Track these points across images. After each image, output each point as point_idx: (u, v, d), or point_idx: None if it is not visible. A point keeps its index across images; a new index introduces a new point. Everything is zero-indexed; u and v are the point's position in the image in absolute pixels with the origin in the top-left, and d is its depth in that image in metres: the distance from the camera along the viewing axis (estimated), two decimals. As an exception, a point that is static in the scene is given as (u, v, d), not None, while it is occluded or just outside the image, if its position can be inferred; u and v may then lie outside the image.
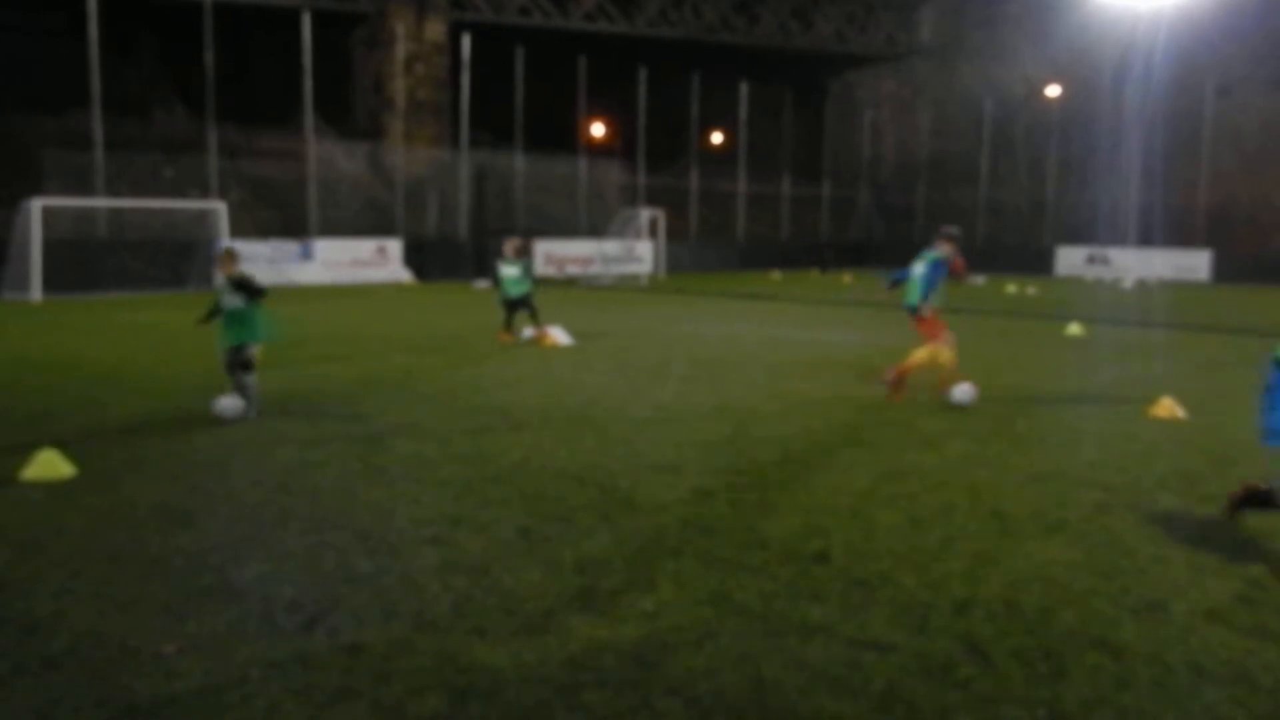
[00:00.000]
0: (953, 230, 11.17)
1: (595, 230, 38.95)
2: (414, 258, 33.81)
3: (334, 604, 5.02)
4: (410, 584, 5.32)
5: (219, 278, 10.13)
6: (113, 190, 29.66)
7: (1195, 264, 38.14)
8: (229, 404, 9.50)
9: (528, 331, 16.07)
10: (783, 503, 6.93)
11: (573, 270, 36.10)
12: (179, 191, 31.29)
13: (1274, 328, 18.76)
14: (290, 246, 31.06)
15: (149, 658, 4.40)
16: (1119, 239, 37.43)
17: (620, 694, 4.11)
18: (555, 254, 36.88)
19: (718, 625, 4.81)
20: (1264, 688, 4.26)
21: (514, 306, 16.06)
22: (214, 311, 10.17)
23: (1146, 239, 38.38)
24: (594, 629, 4.74)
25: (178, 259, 28.00)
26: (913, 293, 10.93)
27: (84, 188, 28.85)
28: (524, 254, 16.61)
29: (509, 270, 16.04)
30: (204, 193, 30.97)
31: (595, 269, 35.88)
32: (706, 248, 43.59)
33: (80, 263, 26.28)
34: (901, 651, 4.53)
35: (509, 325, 16.16)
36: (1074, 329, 18.68)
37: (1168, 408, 10.26)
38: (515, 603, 5.05)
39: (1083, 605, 5.12)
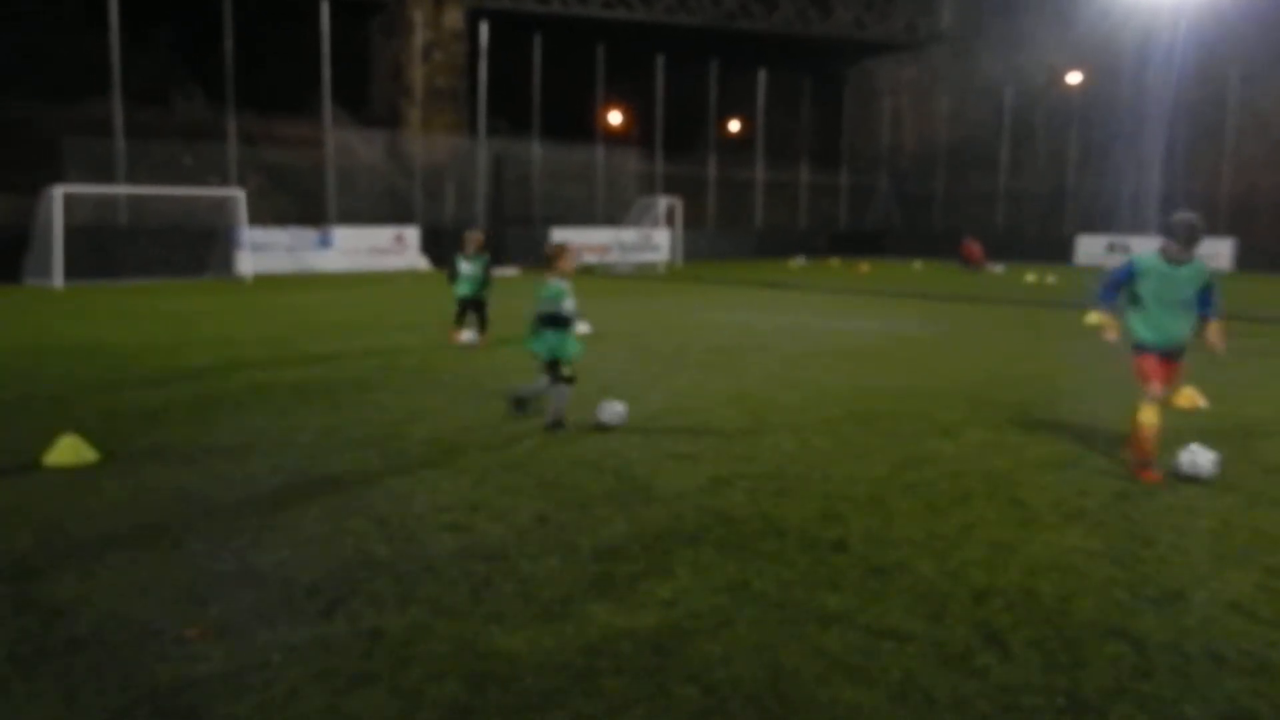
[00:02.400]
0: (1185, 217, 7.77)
1: (613, 218, 38.91)
2: (432, 245, 33.86)
3: (353, 589, 5.06)
4: (429, 570, 5.34)
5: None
6: (133, 177, 29.82)
7: (1218, 252, 37.71)
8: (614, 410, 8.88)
9: (467, 335, 14.55)
10: (800, 491, 6.92)
11: (590, 258, 36.09)
12: (198, 179, 31.45)
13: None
14: (309, 234, 31.19)
15: (171, 641, 4.44)
16: (1140, 227, 37.07)
17: (637, 681, 4.12)
18: (572, 242, 36.87)
19: (735, 613, 4.81)
20: (1285, 679, 4.23)
21: (466, 306, 14.57)
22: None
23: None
24: (611, 616, 4.75)
25: (197, 246, 28.22)
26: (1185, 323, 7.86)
27: (104, 175, 29.02)
28: (485, 250, 14.96)
29: (465, 268, 14.50)
30: (223, 180, 31.11)
31: (613, 257, 35.86)
32: (724, 236, 43.49)
33: (101, 249, 26.47)
34: (919, 640, 4.53)
35: (460, 323, 14.67)
36: (1094, 318, 18.50)
37: (1189, 397, 10.18)
38: (533, 589, 5.07)
39: (1102, 594, 5.10)
